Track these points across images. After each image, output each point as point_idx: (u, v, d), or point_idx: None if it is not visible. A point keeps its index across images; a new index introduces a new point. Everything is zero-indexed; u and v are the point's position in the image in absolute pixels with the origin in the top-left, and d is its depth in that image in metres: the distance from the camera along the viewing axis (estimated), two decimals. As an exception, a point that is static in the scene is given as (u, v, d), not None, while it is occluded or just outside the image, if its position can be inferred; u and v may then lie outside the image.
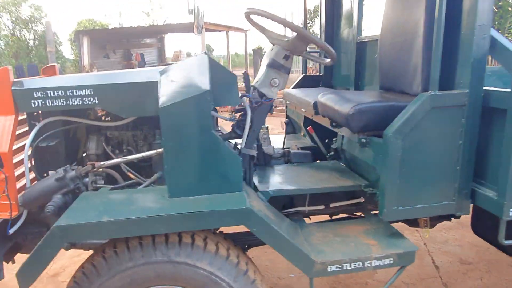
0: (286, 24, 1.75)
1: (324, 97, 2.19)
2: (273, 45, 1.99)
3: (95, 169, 1.91)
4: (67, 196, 1.85)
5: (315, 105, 2.50)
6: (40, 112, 2.01)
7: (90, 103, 1.86)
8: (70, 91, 1.85)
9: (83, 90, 1.85)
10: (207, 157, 1.62)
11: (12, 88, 1.85)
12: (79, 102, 1.86)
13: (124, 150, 2.09)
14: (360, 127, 1.83)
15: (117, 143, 2.10)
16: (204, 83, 1.58)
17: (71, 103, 1.86)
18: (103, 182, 2.03)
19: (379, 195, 1.77)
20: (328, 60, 1.88)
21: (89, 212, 1.50)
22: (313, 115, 2.54)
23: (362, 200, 2.15)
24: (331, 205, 2.16)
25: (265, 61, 1.93)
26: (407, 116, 1.65)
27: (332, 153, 2.39)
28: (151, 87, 1.73)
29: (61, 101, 1.86)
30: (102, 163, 1.91)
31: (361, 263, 1.66)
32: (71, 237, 1.45)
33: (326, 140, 2.51)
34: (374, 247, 1.73)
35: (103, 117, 2.24)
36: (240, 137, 1.98)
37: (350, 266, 1.65)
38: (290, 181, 2.06)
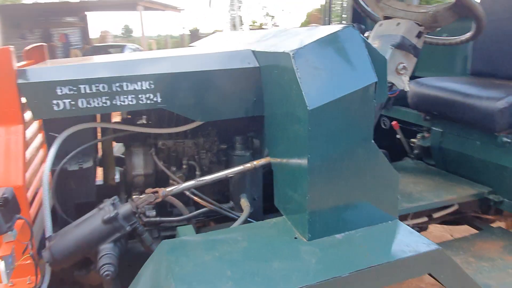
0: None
1: (422, 86, 1.79)
2: (384, 19, 1.53)
3: (159, 199, 1.29)
4: (119, 244, 1.22)
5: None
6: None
7: (148, 102, 1.24)
8: (117, 84, 1.20)
9: (138, 83, 1.22)
10: (365, 177, 1.12)
11: (19, 81, 1.14)
12: (131, 101, 1.23)
13: (183, 166, 1.48)
14: (509, 124, 1.47)
15: (174, 156, 1.48)
16: (366, 71, 1.06)
17: (119, 103, 1.22)
18: (154, 213, 1.42)
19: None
20: (467, 36, 1.46)
21: (219, 285, 0.92)
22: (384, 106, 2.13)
23: (457, 208, 1.82)
24: (434, 215, 1.79)
25: (382, 40, 1.45)
26: None
27: (417, 151, 2.02)
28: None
29: (103, 101, 1.21)
30: (169, 189, 1.30)
31: (538, 297, 1.33)
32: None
33: (398, 136, 2.13)
34: (538, 272, 1.41)
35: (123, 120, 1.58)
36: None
37: (527, 303, 1.31)
38: (402, 194, 1.64)
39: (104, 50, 15.08)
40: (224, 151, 1.54)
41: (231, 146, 1.50)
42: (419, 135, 2.00)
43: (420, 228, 1.92)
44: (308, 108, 1.00)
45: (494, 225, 2.36)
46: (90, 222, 1.19)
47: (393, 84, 1.41)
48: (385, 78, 1.20)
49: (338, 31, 1.10)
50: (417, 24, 1.40)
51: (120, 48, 15.34)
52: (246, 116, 1.33)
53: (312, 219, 1.09)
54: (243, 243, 1.10)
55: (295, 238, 1.13)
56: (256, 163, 1.37)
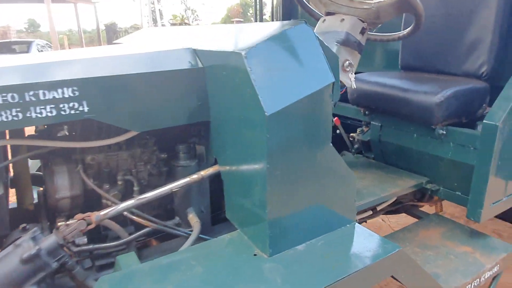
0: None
1: (361, 82, 1.81)
2: (327, 15, 1.49)
3: (92, 225, 1.11)
4: (44, 284, 1.02)
5: None
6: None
7: (72, 112, 1.05)
8: (31, 93, 0.99)
9: (59, 91, 1.02)
10: (324, 181, 1.07)
11: None
12: (50, 112, 1.03)
13: (119, 182, 1.30)
14: (445, 117, 1.53)
15: (107, 172, 1.28)
16: (323, 71, 1.00)
17: (34, 115, 1.01)
18: (86, 240, 1.22)
19: (471, 195, 1.53)
20: (405, 32, 1.48)
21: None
22: None
23: (395, 198, 1.89)
24: (378, 208, 1.83)
25: (326, 37, 1.41)
26: (516, 101, 1.42)
27: (357, 145, 2.05)
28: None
29: (13, 114, 0.99)
30: (103, 212, 1.12)
31: (478, 280, 1.41)
32: None
33: (338, 131, 2.14)
34: (476, 255, 1.50)
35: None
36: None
37: (471, 286, 1.39)
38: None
39: (6, 47, 13.35)
40: (165, 161, 1.39)
41: (173, 155, 1.35)
42: (358, 130, 2.03)
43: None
44: (265, 113, 0.90)
45: (424, 209, 2.52)
46: (5, 263, 0.97)
47: (340, 82, 1.38)
48: (338, 77, 1.15)
49: (290, 28, 1.01)
50: (361, 20, 1.38)
51: (27, 45, 13.72)
52: (189, 123, 1.20)
53: (273, 232, 1.00)
54: (199, 268, 0.98)
55: (255, 255, 1.03)
56: (203, 173, 1.24)
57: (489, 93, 1.69)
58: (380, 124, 1.87)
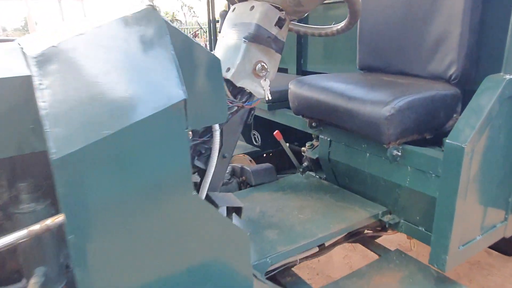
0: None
1: (304, 87, 1.45)
2: (239, 2, 1.13)
3: None
4: None
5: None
6: None
7: None
8: None
9: None
10: (185, 246, 0.72)
11: None
12: None
13: None
14: (398, 134, 1.18)
15: None
16: (168, 83, 0.64)
17: None
18: None
19: (433, 236, 1.18)
20: (342, 25, 1.12)
21: None
22: (266, 110, 1.79)
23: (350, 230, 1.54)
24: (326, 243, 1.48)
25: (237, 30, 1.05)
26: (487, 112, 1.07)
27: (306, 164, 1.69)
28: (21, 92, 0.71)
29: None
30: None
31: None
32: None
33: (288, 144, 1.79)
34: (440, 313, 1.15)
35: None
36: (200, 172, 1.10)
37: None
38: (281, 229, 1.29)
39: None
40: None
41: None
42: (308, 144, 1.68)
43: None
44: (51, 156, 0.55)
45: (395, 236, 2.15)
46: None
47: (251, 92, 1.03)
48: (220, 89, 0.80)
49: (125, 16, 0.66)
50: (277, 8, 1.02)
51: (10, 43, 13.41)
52: (18, 154, 0.85)
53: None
54: None
55: None
56: (50, 222, 0.89)
57: (461, 100, 1.34)
58: (329, 139, 1.52)
